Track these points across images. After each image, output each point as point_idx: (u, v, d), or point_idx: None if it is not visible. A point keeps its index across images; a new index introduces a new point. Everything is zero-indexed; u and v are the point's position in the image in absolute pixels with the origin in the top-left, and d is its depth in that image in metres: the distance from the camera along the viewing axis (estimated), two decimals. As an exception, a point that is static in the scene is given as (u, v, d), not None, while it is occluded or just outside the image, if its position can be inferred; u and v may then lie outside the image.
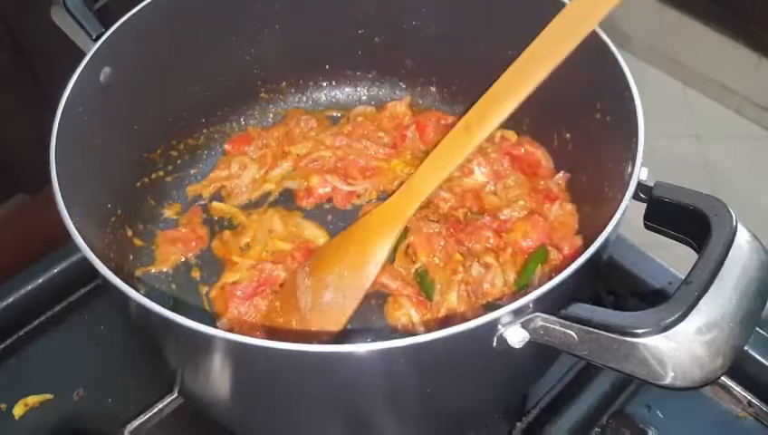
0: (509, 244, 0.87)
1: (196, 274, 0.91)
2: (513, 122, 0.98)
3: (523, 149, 0.96)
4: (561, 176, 0.92)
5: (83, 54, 0.79)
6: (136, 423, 0.83)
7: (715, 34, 2.06)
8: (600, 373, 0.85)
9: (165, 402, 0.83)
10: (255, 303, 0.86)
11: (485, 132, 0.84)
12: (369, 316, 0.86)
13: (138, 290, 0.61)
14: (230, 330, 0.83)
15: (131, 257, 0.90)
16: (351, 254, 0.85)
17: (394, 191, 0.91)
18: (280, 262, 0.89)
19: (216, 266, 0.91)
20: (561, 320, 0.59)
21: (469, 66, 0.99)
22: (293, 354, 0.58)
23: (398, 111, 1.03)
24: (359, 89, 1.07)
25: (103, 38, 0.81)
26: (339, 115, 1.06)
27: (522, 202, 0.91)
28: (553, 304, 0.60)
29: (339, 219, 0.95)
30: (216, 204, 0.96)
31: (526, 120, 0.97)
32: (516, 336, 0.59)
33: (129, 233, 0.90)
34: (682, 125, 2.11)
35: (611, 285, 0.92)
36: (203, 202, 0.97)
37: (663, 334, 0.56)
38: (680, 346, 0.56)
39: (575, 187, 0.92)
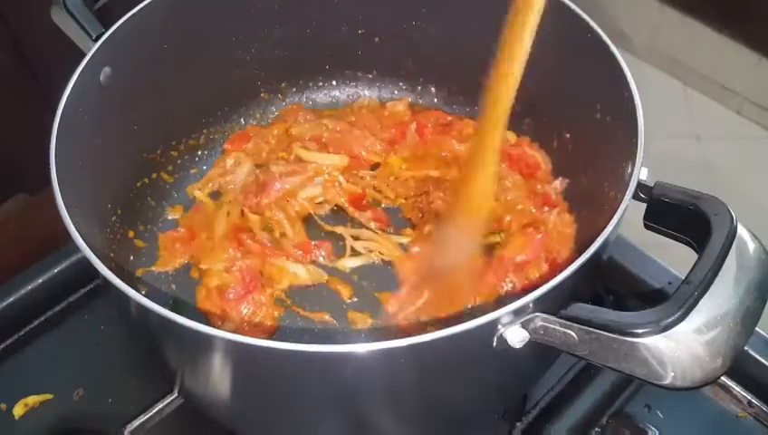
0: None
1: (195, 274, 0.90)
2: (513, 122, 0.98)
3: (520, 150, 0.96)
4: (559, 183, 0.92)
5: (83, 54, 0.79)
6: (136, 423, 0.83)
7: (715, 34, 2.06)
8: (600, 373, 0.85)
9: (165, 402, 0.83)
10: (255, 298, 0.85)
11: None
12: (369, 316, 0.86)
13: (138, 290, 0.61)
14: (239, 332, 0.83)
15: (131, 258, 0.90)
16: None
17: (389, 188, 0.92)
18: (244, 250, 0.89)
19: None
20: (561, 320, 0.59)
21: (469, 66, 0.98)
22: (293, 354, 0.58)
23: (397, 111, 1.03)
24: (359, 89, 1.07)
25: (103, 38, 0.81)
26: (339, 115, 1.06)
27: (520, 206, 0.91)
28: (553, 304, 0.60)
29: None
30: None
31: (526, 120, 0.97)
32: (516, 336, 0.59)
33: (130, 233, 0.90)
34: (682, 125, 2.11)
35: (611, 285, 0.92)
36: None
37: (663, 334, 0.56)
38: (680, 346, 0.56)
39: (575, 188, 0.92)
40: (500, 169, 0.94)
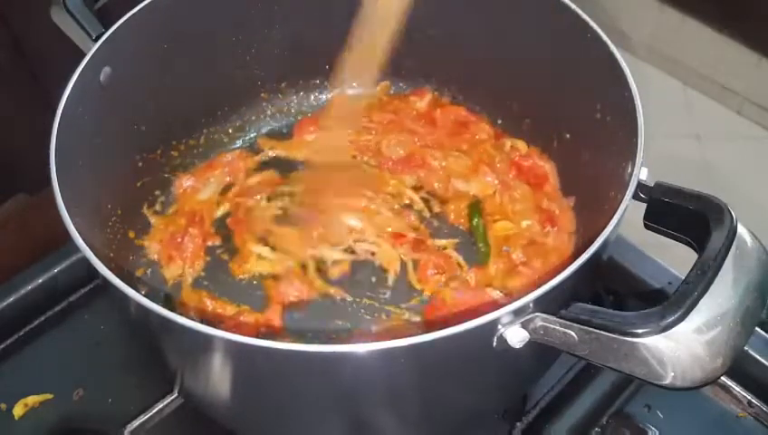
0: None
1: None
2: (513, 122, 0.99)
3: (531, 161, 0.95)
4: (571, 200, 0.92)
5: (83, 54, 0.79)
6: (136, 423, 0.83)
7: (715, 34, 2.06)
8: (600, 373, 0.85)
9: (165, 402, 0.83)
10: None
11: None
12: (370, 315, 0.86)
13: (138, 290, 0.61)
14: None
15: (131, 257, 0.90)
16: None
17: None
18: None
19: (217, 268, 0.91)
20: (561, 320, 0.59)
21: (469, 66, 0.99)
22: (293, 354, 0.58)
23: (418, 107, 1.03)
24: (359, 89, 1.07)
25: (103, 38, 0.81)
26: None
27: (525, 223, 0.90)
28: (553, 304, 0.60)
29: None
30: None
31: (526, 120, 0.97)
32: (516, 336, 0.59)
33: (130, 233, 0.90)
34: (682, 125, 2.11)
35: (611, 285, 0.92)
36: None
37: (663, 334, 0.56)
38: (680, 346, 0.56)
39: (576, 188, 0.91)
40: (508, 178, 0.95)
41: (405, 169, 0.98)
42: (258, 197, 0.95)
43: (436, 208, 0.95)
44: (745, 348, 0.74)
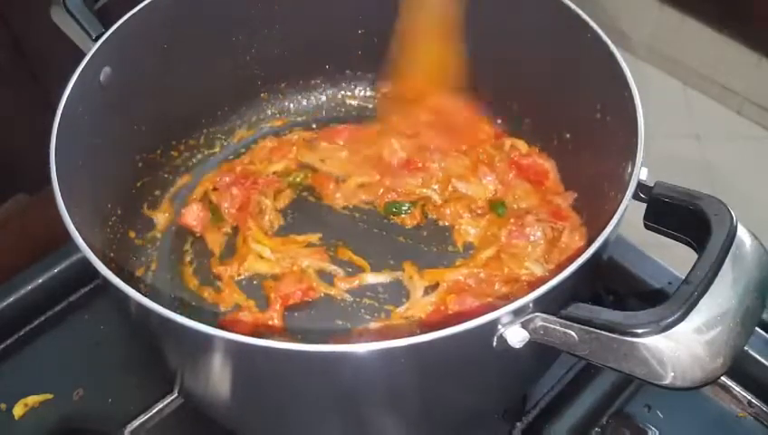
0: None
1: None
2: (513, 122, 0.99)
3: (531, 159, 0.95)
4: (570, 195, 0.91)
5: (83, 54, 0.79)
6: (136, 423, 0.82)
7: (715, 34, 2.06)
8: (600, 373, 0.85)
9: (165, 402, 0.83)
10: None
11: None
12: (370, 315, 0.86)
13: (138, 290, 0.61)
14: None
15: (132, 258, 0.90)
16: None
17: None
18: None
19: (217, 267, 0.91)
20: (561, 320, 0.59)
21: (469, 66, 0.98)
22: (293, 354, 0.58)
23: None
24: (359, 89, 1.07)
25: (103, 38, 0.81)
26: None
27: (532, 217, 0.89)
28: (553, 303, 0.60)
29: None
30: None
31: (526, 120, 0.97)
32: (516, 336, 0.59)
33: (130, 233, 0.90)
34: (682, 125, 2.11)
35: (611, 285, 0.92)
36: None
37: (663, 334, 0.56)
38: (680, 346, 0.56)
39: (575, 188, 0.91)
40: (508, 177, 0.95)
41: (404, 170, 0.97)
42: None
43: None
44: (745, 348, 0.74)
